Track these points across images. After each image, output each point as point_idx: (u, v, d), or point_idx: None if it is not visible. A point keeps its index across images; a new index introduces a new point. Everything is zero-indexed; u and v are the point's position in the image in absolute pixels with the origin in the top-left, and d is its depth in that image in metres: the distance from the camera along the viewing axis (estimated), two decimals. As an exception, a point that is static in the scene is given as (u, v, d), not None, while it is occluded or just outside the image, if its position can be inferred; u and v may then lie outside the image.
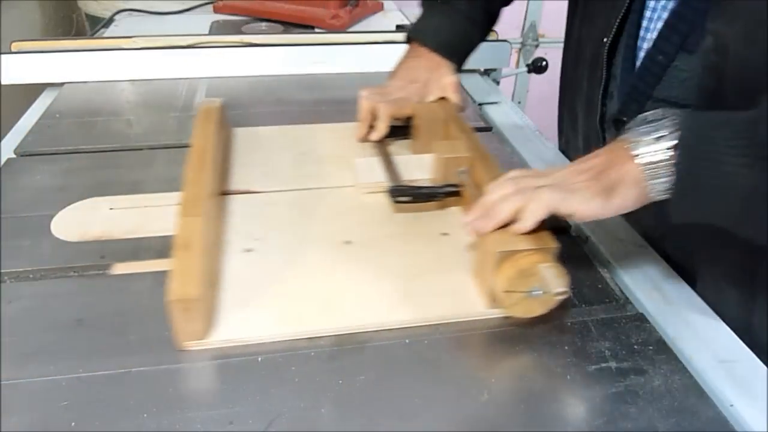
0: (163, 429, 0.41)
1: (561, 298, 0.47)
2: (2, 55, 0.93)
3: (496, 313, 0.51)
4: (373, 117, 0.74)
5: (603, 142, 0.68)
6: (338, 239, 0.59)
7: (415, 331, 0.49)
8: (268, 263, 0.56)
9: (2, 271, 0.54)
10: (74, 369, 0.45)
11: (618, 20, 0.61)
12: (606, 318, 0.51)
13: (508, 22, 2.05)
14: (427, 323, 0.50)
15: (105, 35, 1.23)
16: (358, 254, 0.57)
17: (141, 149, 0.77)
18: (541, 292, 0.48)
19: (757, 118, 0.44)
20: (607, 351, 0.48)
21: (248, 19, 1.35)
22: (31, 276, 0.54)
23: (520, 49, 2.15)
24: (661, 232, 0.62)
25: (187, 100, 0.91)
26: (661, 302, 0.54)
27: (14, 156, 0.75)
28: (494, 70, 1.17)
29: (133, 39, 1.03)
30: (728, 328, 0.51)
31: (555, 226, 0.50)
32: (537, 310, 0.50)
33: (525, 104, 2.21)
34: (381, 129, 0.73)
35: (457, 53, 0.78)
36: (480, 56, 0.87)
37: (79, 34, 1.61)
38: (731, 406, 0.44)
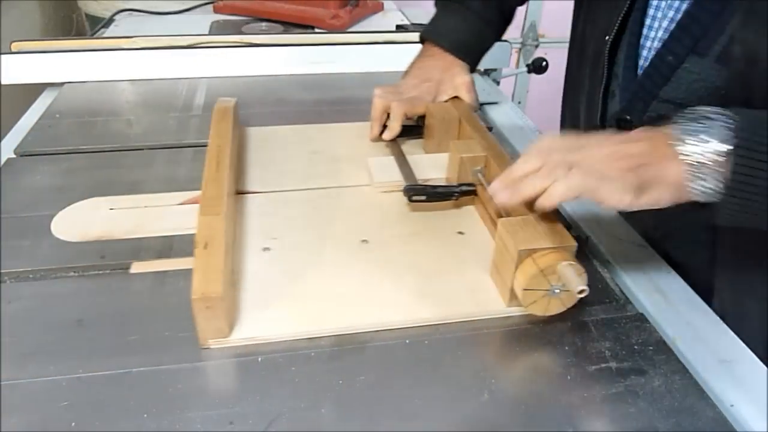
0: (163, 429, 0.41)
1: (581, 296, 0.47)
2: (2, 55, 0.93)
3: (514, 312, 0.51)
4: (387, 116, 0.74)
5: None
6: (355, 238, 0.59)
7: (415, 331, 0.49)
8: (285, 262, 0.56)
9: (2, 271, 0.54)
10: (74, 369, 0.45)
11: (620, 18, 0.61)
12: (606, 318, 0.51)
13: (508, 22, 2.05)
14: (447, 321, 0.50)
15: (105, 35, 1.23)
16: (375, 253, 0.57)
17: (141, 149, 0.77)
18: (560, 290, 0.48)
19: None
20: (607, 351, 0.48)
21: (248, 19, 1.35)
22: (31, 276, 0.54)
23: (520, 49, 2.15)
24: (661, 232, 0.62)
25: (187, 100, 0.91)
26: (661, 302, 0.54)
27: (14, 156, 0.75)
28: (494, 70, 1.17)
29: (133, 39, 1.03)
30: (728, 328, 0.51)
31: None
32: (556, 308, 0.50)
33: (525, 104, 2.21)
34: (394, 128, 0.73)
35: (470, 53, 0.78)
36: (480, 56, 0.87)
37: (79, 34, 1.61)
38: (731, 406, 0.44)
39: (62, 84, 0.96)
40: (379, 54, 1.05)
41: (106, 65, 0.97)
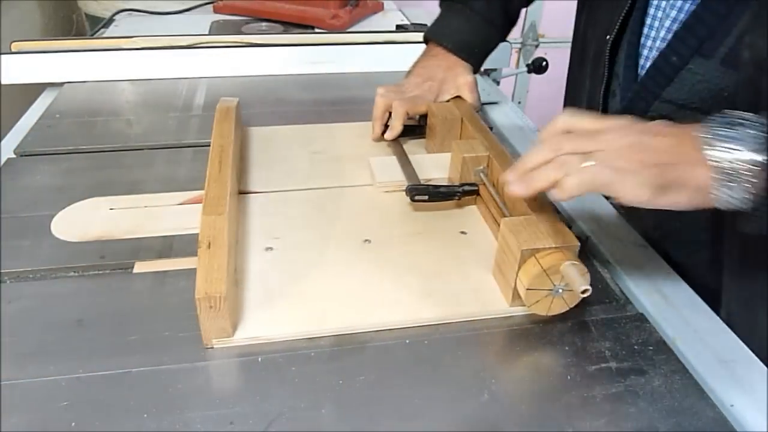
0: (163, 429, 0.41)
1: (584, 296, 0.47)
2: (2, 55, 0.93)
3: (517, 311, 0.51)
4: (389, 115, 0.74)
5: None
6: (357, 238, 0.59)
7: (415, 331, 0.49)
8: (288, 262, 0.56)
9: (2, 271, 0.54)
10: (74, 369, 0.45)
11: (621, 18, 0.61)
12: (606, 318, 0.51)
13: (508, 22, 2.05)
14: (450, 321, 0.50)
15: (105, 35, 1.23)
16: (377, 253, 0.58)
17: (141, 149, 0.77)
18: (563, 290, 0.48)
19: None
20: (607, 351, 0.48)
21: (248, 19, 1.35)
22: (31, 276, 0.54)
23: (520, 49, 2.15)
24: (661, 232, 0.62)
25: (187, 100, 0.91)
26: (661, 302, 0.54)
27: (14, 156, 0.75)
28: (494, 70, 1.17)
29: (133, 39, 1.03)
30: (728, 328, 0.51)
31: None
32: (558, 308, 0.50)
33: (525, 104, 2.21)
34: (396, 127, 0.74)
35: (474, 54, 0.78)
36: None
37: (79, 34, 1.61)
38: (731, 406, 0.44)
39: (62, 84, 0.95)
40: (379, 54, 1.05)
41: (106, 65, 0.97)
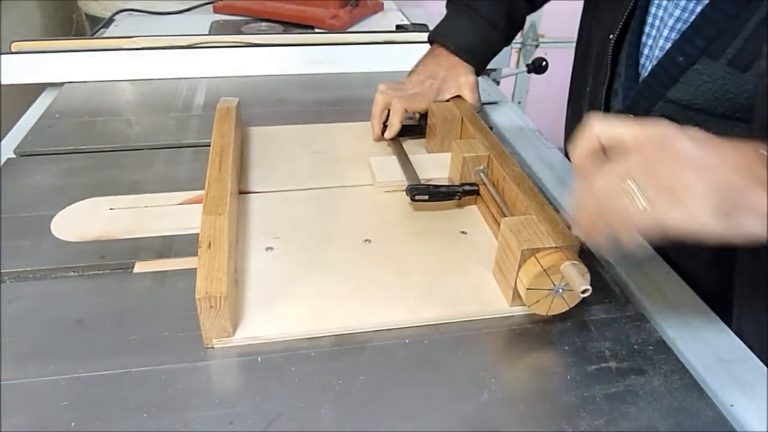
0: (163, 429, 0.41)
1: (584, 296, 0.47)
2: (2, 55, 0.93)
3: (517, 311, 0.51)
4: (388, 113, 0.75)
5: None
6: (357, 238, 0.59)
7: (415, 331, 0.49)
8: (288, 262, 0.56)
9: (2, 271, 0.54)
10: (74, 369, 0.45)
11: (624, 17, 0.61)
12: (606, 318, 0.51)
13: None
14: (451, 321, 0.50)
15: (105, 35, 1.23)
16: (378, 252, 0.58)
17: (141, 149, 0.77)
18: (563, 289, 0.48)
19: None
20: (607, 351, 0.48)
21: (248, 19, 1.35)
22: (31, 276, 0.54)
23: (520, 49, 2.15)
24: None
25: (187, 100, 0.91)
26: (661, 302, 0.54)
27: (14, 156, 0.75)
28: (494, 70, 1.17)
29: (133, 39, 1.03)
30: (727, 328, 0.51)
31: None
32: (559, 307, 0.50)
33: (525, 104, 2.21)
34: (394, 124, 0.74)
35: (477, 56, 0.79)
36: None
37: (79, 34, 1.61)
38: (731, 406, 0.44)
39: (62, 84, 0.95)
40: (379, 54, 1.05)
41: (106, 65, 0.97)
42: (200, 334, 0.47)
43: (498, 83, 1.20)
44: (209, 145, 0.64)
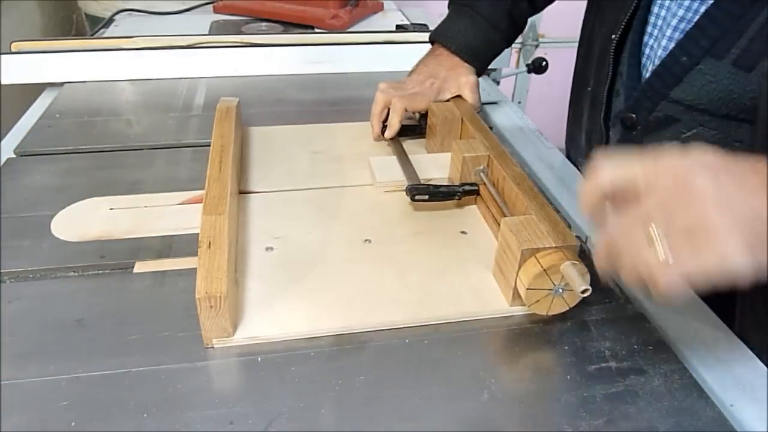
0: (163, 429, 0.41)
1: (584, 296, 0.47)
2: (2, 55, 0.93)
3: (517, 311, 0.51)
4: (388, 112, 0.75)
5: (606, 140, 0.68)
6: (357, 238, 0.59)
7: (415, 331, 0.49)
8: (288, 262, 0.56)
9: (2, 271, 0.54)
10: (74, 369, 0.45)
11: (627, 17, 0.61)
12: (606, 318, 0.51)
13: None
14: (450, 321, 0.50)
15: (105, 35, 1.23)
16: (378, 252, 0.58)
17: (141, 149, 0.77)
18: (563, 289, 0.48)
19: None
20: (607, 351, 0.48)
21: (248, 19, 1.35)
22: (31, 276, 0.54)
23: (520, 49, 2.15)
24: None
25: (187, 100, 0.91)
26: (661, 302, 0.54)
27: (14, 156, 0.75)
28: (494, 70, 1.17)
29: (133, 39, 1.03)
30: (727, 328, 0.51)
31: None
32: (559, 307, 0.50)
33: (525, 104, 2.21)
34: (394, 123, 0.74)
35: (477, 57, 0.79)
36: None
37: (79, 34, 1.61)
38: (731, 406, 0.44)
39: (62, 84, 0.95)
40: (379, 54, 1.05)
41: (106, 65, 0.97)
42: (200, 334, 0.47)
43: (498, 83, 1.20)
44: (209, 145, 0.64)
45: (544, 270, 0.47)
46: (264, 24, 1.32)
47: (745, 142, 0.54)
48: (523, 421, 0.42)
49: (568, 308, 0.50)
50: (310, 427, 0.41)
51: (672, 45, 0.58)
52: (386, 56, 1.04)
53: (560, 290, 0.49)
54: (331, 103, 0.92)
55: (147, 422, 0.41)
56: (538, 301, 0.49)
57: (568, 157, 0.81)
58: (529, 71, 1.36)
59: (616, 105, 0.66)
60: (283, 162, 0.72)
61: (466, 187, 0.63)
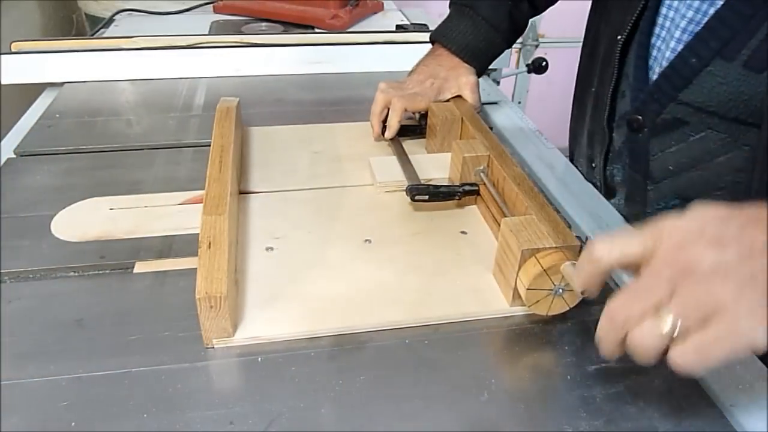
0: (163, 429, 0.41)
1: (584, 296, 0.47)
2: (2, 55, 0.93)
3: (517, 311, 0.51)
4: (387, 111, 0.75)
5: (609, 140, 0.68)
6: (358, 238, 0.59)
7: (415, 331, 0.49)
8: (289, 262, 0.56)
9: (2, 271, 0.54)
10: (74, 369, 0.45)
11: (634, 18, 0.61)
12: (606, 318, 0.51)
13: (508, 22, 2.05)
14: (450, 321, 0.50)
15: (105, 35, 1.23)
16: (378, 252, 0.58)
17: (141, 149, 0.77)
18: (563, 289, 0.48)
19: None
20: (607, 351, 0.48)
21: (248, 19, 1.35)
22: (31, 276, 0.54)
23: (520, 49, 2.15)
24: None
25: (187, 100, 0.91)
26: (661, 302, 0.54)
27: (14, 156, 0.75)
28: (494, 70, 1.17)
29: (133, 39, 1.03)
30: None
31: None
32: (559, 307, 0.50)
33: (525, 104, 2.21)
34: (393, 123, 0.74)
35: (478, 58, 0.79)
36: (480, 56, 0.87)
37: (79, 34, 1.61)
38: (731, 406, 0.44)
39: (62, 84, 0.95)
40: (379, 54, 1.05)
41: (106, 65, 0.97)
42: (200, 334, 0.47)
43: (498, 83, 1.20)
44: (209, 145, 0.64)
45: (545, 270, 0.47)
46: (264, 24, 1.32)
47: (752, 146, 0.54)
48: (523, 421, 0.42)
49: (568, 308, 0.50)
50: (310, 427, 0.41)
51: (680, 47, 0.57)
52: (386, 56, 1.04)
53: (560, 290, 0.49)
54: (331, 103, 0.92)
55: (147, 422, 0.41)
56: (538, 301, 0.49)
57: (571, 154, 0.81)
58: (529, 71, 1.36)
59: (621, 106, 0.66)
60: (283, 162, 0.72)
61: (466, 187, 0.63)
